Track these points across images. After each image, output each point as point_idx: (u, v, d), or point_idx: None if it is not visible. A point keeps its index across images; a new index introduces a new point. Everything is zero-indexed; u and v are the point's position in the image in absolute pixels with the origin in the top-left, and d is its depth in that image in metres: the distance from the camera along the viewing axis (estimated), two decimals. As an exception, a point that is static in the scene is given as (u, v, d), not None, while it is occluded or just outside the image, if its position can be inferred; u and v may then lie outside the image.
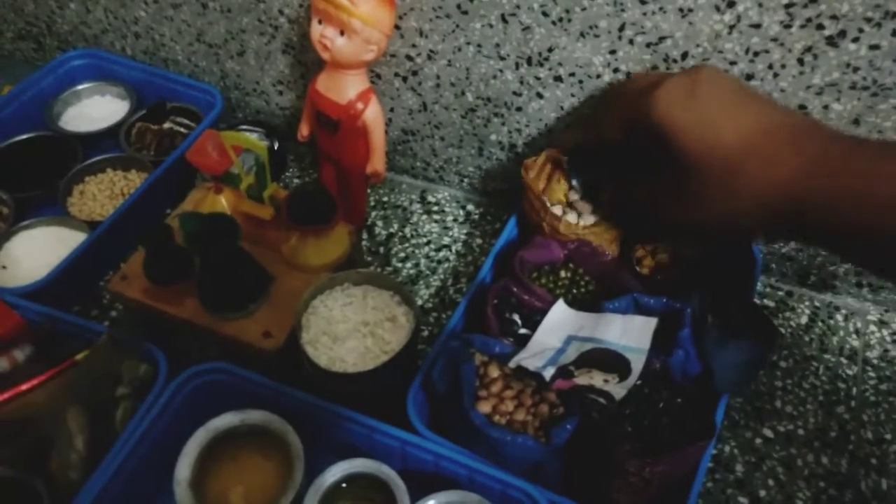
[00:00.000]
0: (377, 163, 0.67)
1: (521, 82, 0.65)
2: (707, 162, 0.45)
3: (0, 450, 0.51)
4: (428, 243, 0.75)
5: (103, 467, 0.50)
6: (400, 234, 0.76)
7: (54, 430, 0.51)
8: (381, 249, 0.74)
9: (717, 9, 0.54)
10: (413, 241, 0.75)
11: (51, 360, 0.56)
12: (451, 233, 0.76)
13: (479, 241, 0.76)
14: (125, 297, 0.61)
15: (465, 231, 0.77)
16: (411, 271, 0.73)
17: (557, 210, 0.60)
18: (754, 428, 0.62)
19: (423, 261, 0.74)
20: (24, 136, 0.79)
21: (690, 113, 0.45)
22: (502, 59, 0.64)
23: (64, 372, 0.55)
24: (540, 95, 0.66)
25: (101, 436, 0.52)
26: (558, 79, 0.64)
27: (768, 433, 0.62)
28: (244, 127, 0.78)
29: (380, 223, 0.77)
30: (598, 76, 0.62)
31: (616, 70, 0.61)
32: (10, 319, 0.57)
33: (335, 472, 0.51)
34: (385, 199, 0.79)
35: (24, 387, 0.54)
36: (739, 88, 0.47)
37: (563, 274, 0.60)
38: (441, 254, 0.74)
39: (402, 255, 0.74)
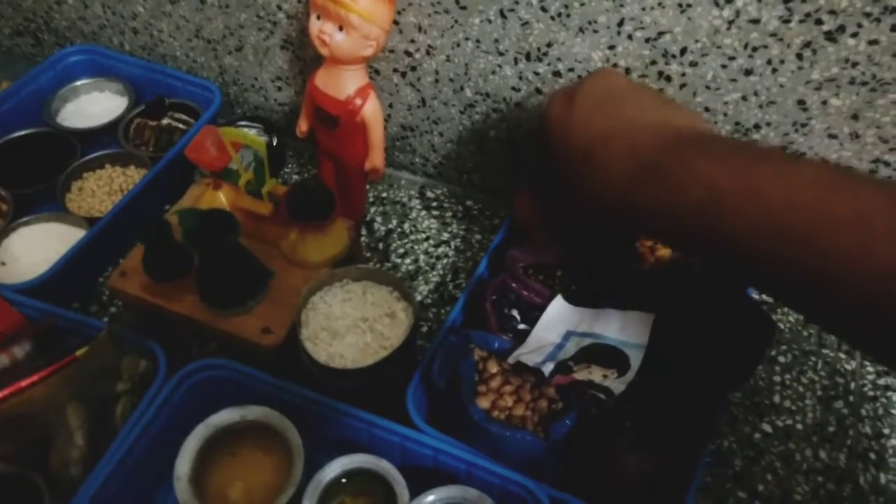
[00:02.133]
0: (376, 159, 0.67)
1: (520, 78, 0.65)
2: (564, 160, 0.48)
3: (0, 445, 0.51)
4: (427, 239, 0.75)
5: (103, 463, 0.50)
6: (399, 229, 0.76)
7: (54, 426, 0.51)
8: (380, 245, 0.74)
9: (716, 4, 0.54)
10: (412, 237, 0.75)
11: (50, 356, 0.56)
12: (449, 229, 0.76)
13: (477, 236, 0.76)
14: (124, 294, 0.61)
15: (463, 227, 0.77)
16: (410, 267, 0.73)
17: None
18: (753, 422, 0.62)
19: (422, 256, 0.74)
20: (22, 133, 0.79)
21: (563, 114, 0.48)
22: (501, 54, 0.64)
23: (64, 368, 0.55)
24: (539, 91, 0.66)
25: (101, 431, 0.52)
26: (557, 74, 0.64)
27: (767, 428, 0.62)
28: (242, 123, 0.77)
29: (379, 219, 0.77)
30: (597, 71, 0.62)
31: (615, 65, 0.61)
32: (9, 316, 0.57)
33: (335, 468, 0.51)
34: (384, 194, 0.79)
35: (23, 383, 0.53)
36: (615, 93, 0.48)
37: (559, 273, 0.60)
38: (440, 249, 0.74)
39: (401, 250, 0.74)
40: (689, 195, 0.39)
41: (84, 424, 0.52)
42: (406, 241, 0.75)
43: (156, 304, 0.60)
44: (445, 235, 0.76)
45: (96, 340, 0.56)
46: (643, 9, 0.56)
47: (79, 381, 0.54)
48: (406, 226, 0.76)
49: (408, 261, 0.73)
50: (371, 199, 0.78)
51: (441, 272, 0.72)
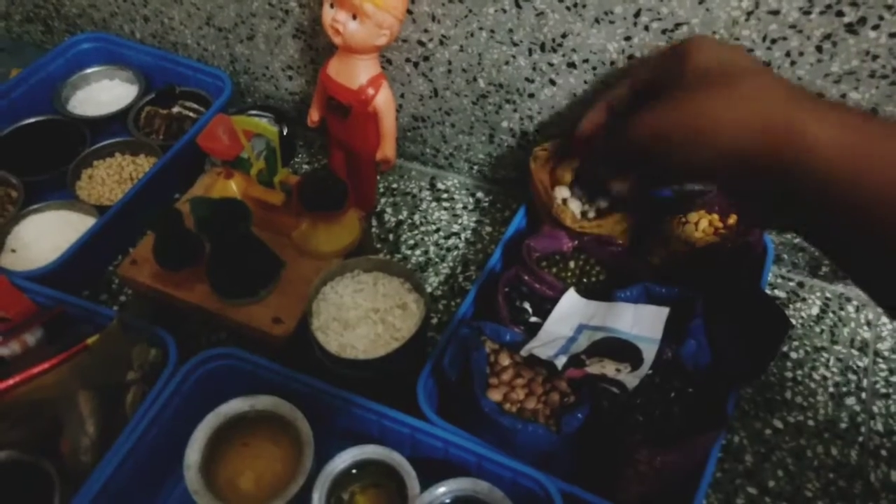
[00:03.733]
0: (387, 149, 0.67)
1: (534, 69, 0.65)
2: (716, 71, 0.45)
3: (12, 432, 0.51)
4: (437, 230, 0.75)
5: (114, 451, 0.50)
6: (409, 221, 0.76)
7: (65, 414, 0.51)
8: (391, 236, 0.74)
9: (735, -5, 0.53)
10: (422, 229, 0.75)
11: (61, 344, 0.56)
12: (460, 220, 0.76)
13: (488, 228, 0.75)
14: (135, 282, 0.61)
15: (474, 219, 0.76)
16: (420, 258, 0.72)
17: (562, 195, 0.59)
18: (764, 418, 0.62)
19: (432, 248, 0.73)
20: (33, 120, 0.79)
21: (717, 43, 0.47)
22: (515, 44, 0.64)
23: (75, 356, 0.55)
24: (553, 82, 0.65)
25: (111, 420, 0.52)
26: (572, 65, 0.63)
27: (778, 424, 0.61)
28: (253, 112, 0.77)
29: (389, 210, 0.76)
30: (613, 63, 0.61)
31: (630, 57, 0.60)
32: (20, 303, 0.57)
33: (345, 459, 0.51)
34: (394, 185, 0.79)
35: (35, 370, 0.54)
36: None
37: (572, 265, 0.60)
38: (450, 241, 0.74)
39: (411, 242, 0.74)
40: (851, 115, 0.39)
41: (95, 412, 0.52)
42: (416, 232, 0.75)
43: (166, 293, 0.60)
44: (456, 227, 0.75)
45: (107, 329, 0.56)
46: (660, -1, 0.55)
47: (89, 369, 0.54)
48: (416, 217, 0.76)
49: (418, 252, 0.73)
50: (381, 190, 0.78)
51: (451, 264, 0.72)
